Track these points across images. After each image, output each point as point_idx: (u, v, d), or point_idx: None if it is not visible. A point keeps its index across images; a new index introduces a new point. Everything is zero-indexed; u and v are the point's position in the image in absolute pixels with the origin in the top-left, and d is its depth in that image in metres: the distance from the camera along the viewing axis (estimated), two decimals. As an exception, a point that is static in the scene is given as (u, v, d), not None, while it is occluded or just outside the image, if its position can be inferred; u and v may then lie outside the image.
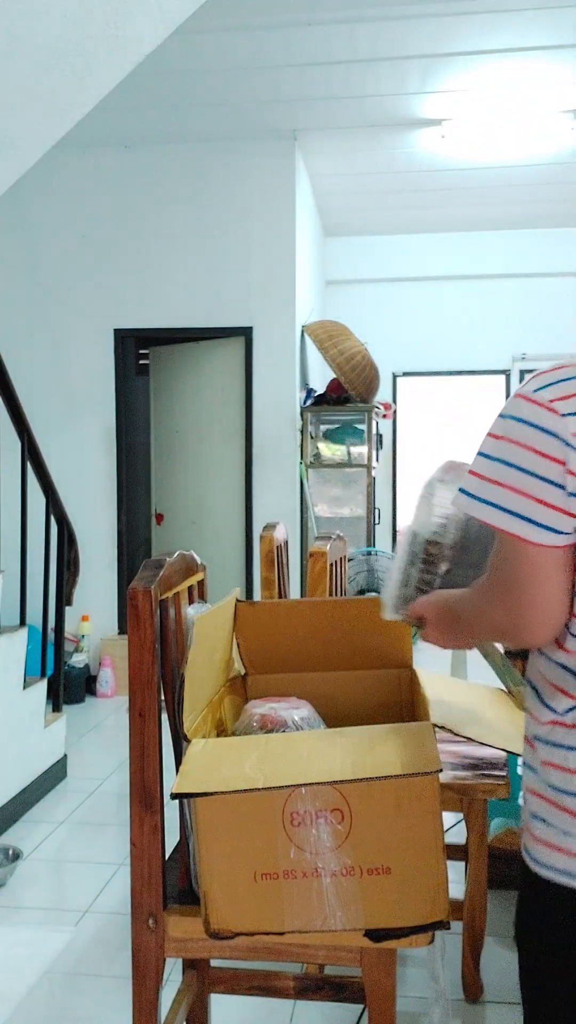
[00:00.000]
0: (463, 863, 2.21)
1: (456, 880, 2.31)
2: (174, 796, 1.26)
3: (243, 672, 1.83)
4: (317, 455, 5.55)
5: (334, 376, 5.47)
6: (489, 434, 1.10)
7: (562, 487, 1.03)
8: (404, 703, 1.78)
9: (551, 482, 1.04)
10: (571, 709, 1.07)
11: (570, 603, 1.07)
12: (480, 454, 1.10)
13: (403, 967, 2.33)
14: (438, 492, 1.46)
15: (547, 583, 1.05)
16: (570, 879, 1.04)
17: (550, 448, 1.04)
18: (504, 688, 2.16)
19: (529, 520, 1.04)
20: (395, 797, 1.21)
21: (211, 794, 1.23)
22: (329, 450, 5.57)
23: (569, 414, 1.04)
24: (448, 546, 1.44)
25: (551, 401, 1.05)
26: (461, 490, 1.11)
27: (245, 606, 1.79)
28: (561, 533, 1.04)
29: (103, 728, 4.73)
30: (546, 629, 1.07)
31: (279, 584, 2.48)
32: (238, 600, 1.79)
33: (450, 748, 2.12)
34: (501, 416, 1.09)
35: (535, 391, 1.07)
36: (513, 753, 1.71)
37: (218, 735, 1.60)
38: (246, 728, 1.55)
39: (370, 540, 5.65)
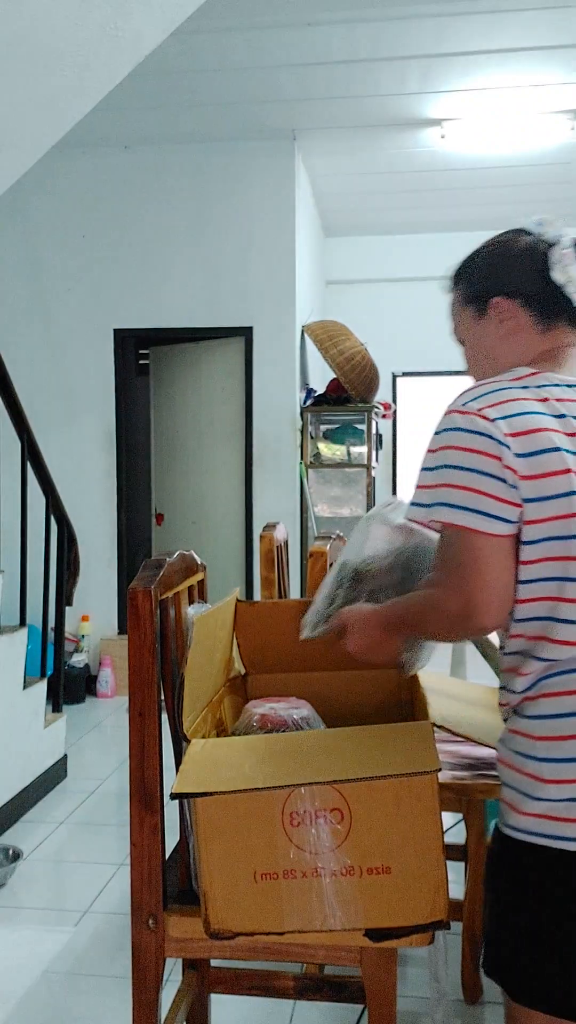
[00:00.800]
0: (462, 863, 2.21)
1: (456, 880, 2.31)
2: (174, 796, 1.26)
3: (243, 672, 1.83)
4: (317, 455, 5.55)
5: (334, 376, 5.47)
6: (427, 451, 1.23)
7: (503, 480, 1.15)
8: (404, 703, 1.78)
9: (492, 476, 1.15)
10: (531, 686, 1.18)
11: (514, 589, 1.17)
12: (423, 470, 1.23)
13: (403, 967, 2.33)
14: (373, 526, 1.57)
15: (498, 568, 1.15)
16: (528, 836, 1.17)
17: (486, 447, 1.16)
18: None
19: (479, 512, 1.15)
20: (395, 796, 1.21)
21: (211, 794, 1.23)
22: (329, 450, 5.57)
23: (498, 418, 1.17)
24: (374, 575, 1.53)
25: (480, 409, 1.19)
26: (412, 504, 1.22)
27: (245, 606, 1.79)
28: (508, 522, 1.15)
29: (103, 728, 4.73)
30: (499, 611, 1.17)
31: (279, 584, 2.48)
32: (238, 600, 1.79)
33: (449, 748, 2.12)
34: (436, 433, 1.23)
35: (464, 404, 1.22)
36: None
37: (218, 735, 1.60)
38: (246, 728, 1.55)
39: (370, 540, 5.64)
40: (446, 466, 1.18)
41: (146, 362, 6.21)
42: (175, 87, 4.55)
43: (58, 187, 5.39)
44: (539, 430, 1.17)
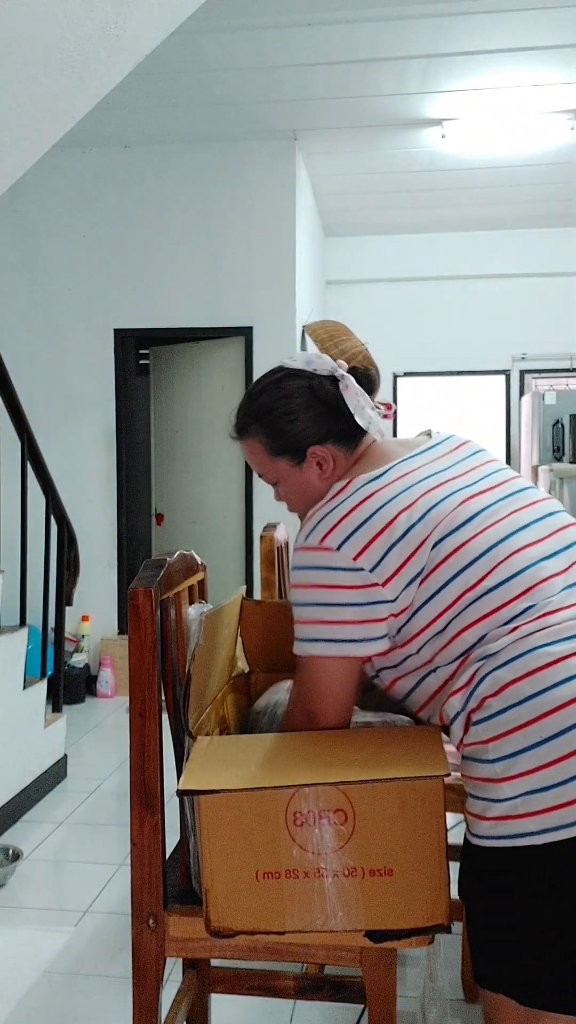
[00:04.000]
0: (463, 863, 2.20)
1: (456, 880, 2.31)
2: (179, 793, 1.26)
3: (246, 671, 1.83)
4: (317, 455, 5.54)
5: (334, 376, 5.46)
6: (293, 586, 1.34)
7: (359, 604, 1.28)
8: (405, 703, 1.78)
9: (350, 604, 1.28)
10: (468, 697, 1.25)
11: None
12: (294, 603, 1.34)
13: (403, 967, 2.33)
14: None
15: (353, 688, 1.35)
16: (493, 841, 1.20)
17: (337, 579, 1.28)
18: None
19: (352, 640, 1.29)
20: (399, 799, 1.21)
21: (216, 792, 1.23)
22: (329, 450, 5.56)
23: (342, 543, 1.29)
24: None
25: (321, 541, 1.30)
26: (297, 639, 1.34)
27: (251, 605, 1.78)
28: (380, 639, 1.30)
29: (103, 728, 4.73)
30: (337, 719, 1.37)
31: (279, 584, 2.48)
32: (244, 599, 1.79)
33: (449, 748, 2.11)
34: (293, 569, 1.34)
35: (306, 539, 1.33)
36: None
37: (220, 732, 1.60)
38: (276, 700, 1.60)
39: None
40: (309, 604, 1.31)
41: (146, 362, 6.21)
42: (175, 87, 4.55)
43: (58, 187, 5.39)
44: (391, 520, 1.28)
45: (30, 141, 2.82)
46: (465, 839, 1.25)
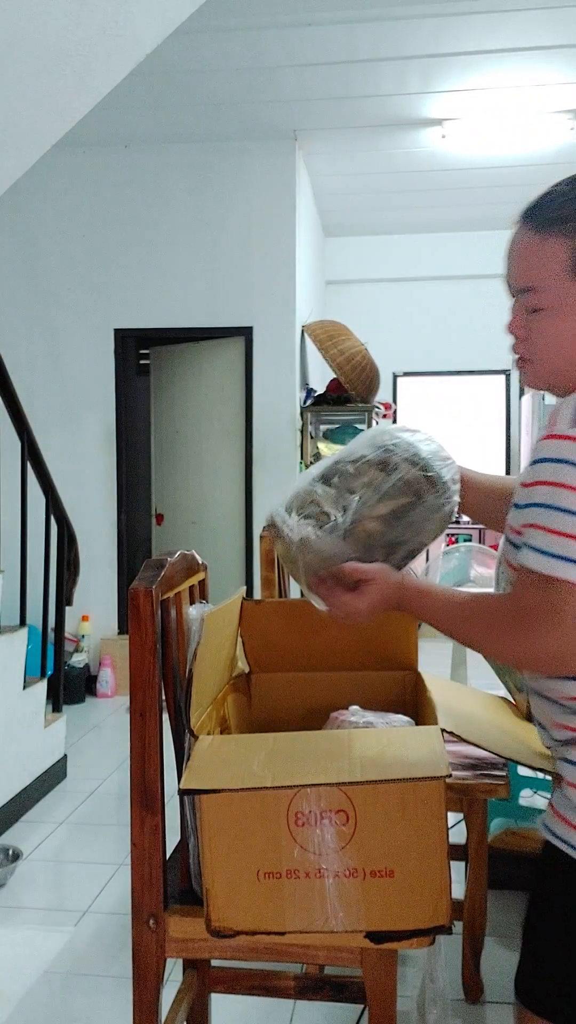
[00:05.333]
0: (463, 863, 2.21)
1: (456, 880, 2.31)
2: (181, 792, 1.26)
3: (247, 671, 1.83)
4: (317, 455, 5.54)
5: (334, 376, 5.47)
6: (541, 482, 1.05)
7: None
8: (408, 705, 1.78)
9: None
10: None
11: None
12: (541, 505, 1.05)
13: (403, 967, 2.32)
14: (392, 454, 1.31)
15: None
16: None
17: None
18: (506, 690, 2.16)
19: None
20: (401, 800, 1.21)
21: (218, 791, 1.23)
22: (329, 450, 5.56)
23: None
24: (368, 518, 1.25)
25: None
26: (537, 550, 1.05)
27: (251, 605, 1.78)
28: None
29: (103, 728, 4.72)
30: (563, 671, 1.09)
31: (279, 584, 2.48)
32: (244, 599, 1.79)
33: (450, 748, 2.11)
34: (542, 462, 1.05)
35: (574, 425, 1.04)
36: (514, 761, 1.70)
37: (221, 732, 1.60)
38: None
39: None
40: (553, 508, 1.03)
41: (146, 362, 6.21)
42: (175, 87, 4.55)
43: (58, 187, 5.39)
44: None
45: (30, 141, 2.82)
46: (551, 851, 1.14)
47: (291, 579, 1.45)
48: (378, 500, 1.23)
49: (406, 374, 7.17)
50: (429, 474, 1.25)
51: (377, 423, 5.89)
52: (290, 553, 1.25)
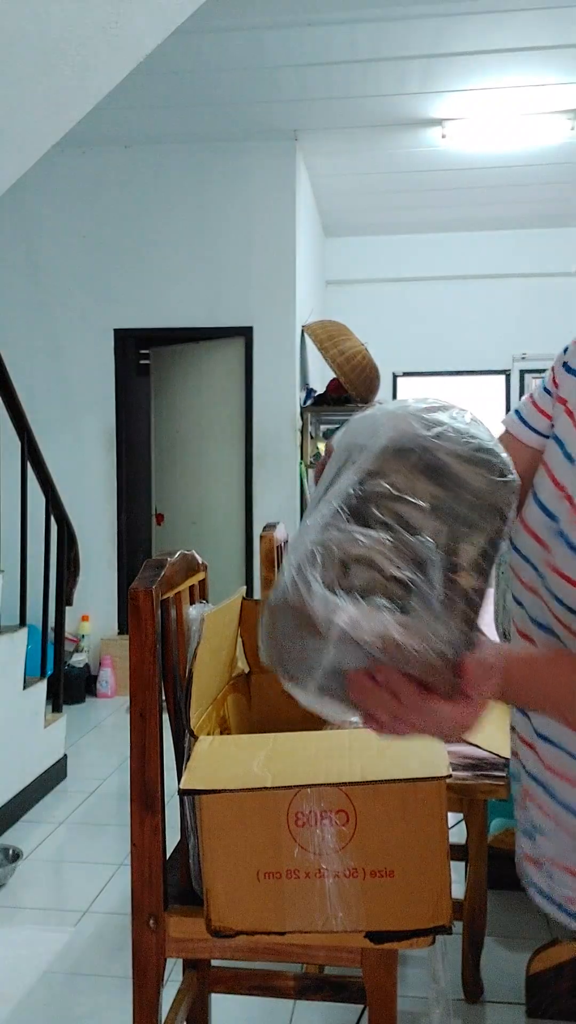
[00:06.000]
0: (463, 863, 2.21)
1: (456, 880, 2.31)
2: (181, 793, 1.26)
3: (247, 671, 1.82)
4: (317, 455, 5.54)
5: (334, 376, 5.47)
6: None
7: None
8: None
9: None
10: None
11: None
12: None
13: (403, 967, 2.32)
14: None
15: None
16: None
17: None
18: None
19: None
20: (401, 801, 1.21)
21: (218, 791, 1.23)
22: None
23: None
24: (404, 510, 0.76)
25: None
26: None
27: (251, 604, 1.78)
28: None
29: (103, 728, 4.72)
30: None
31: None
32: (244, 599, 1.79)
33: (450, 748, 2.11)
34: None
35: None
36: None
37: (221, 732, 1.60)
38: None
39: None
40: None
41: (146, 362, 6.21)
42: (175, 87, 4.55)
43: (58, 187, 5.39)
44: None
45: (30, 141, 2.82)
46: None
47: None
48: (460, 537, 0.75)
49: (406, 374, 7.16)
50: (508, 478, 0.78)
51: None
52: (327, 655, 0.72)
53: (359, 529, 0.74)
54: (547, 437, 0.95)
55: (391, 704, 0.73)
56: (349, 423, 0.82)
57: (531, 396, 1.01)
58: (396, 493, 0.75)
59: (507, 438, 1.00)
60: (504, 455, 0.79)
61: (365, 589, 0.72)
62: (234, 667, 1.78)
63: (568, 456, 0.91)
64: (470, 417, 0.84)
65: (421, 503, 0.75)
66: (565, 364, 0.96)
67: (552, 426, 0.96)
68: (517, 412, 1.01)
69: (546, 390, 0.98)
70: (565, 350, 0.98)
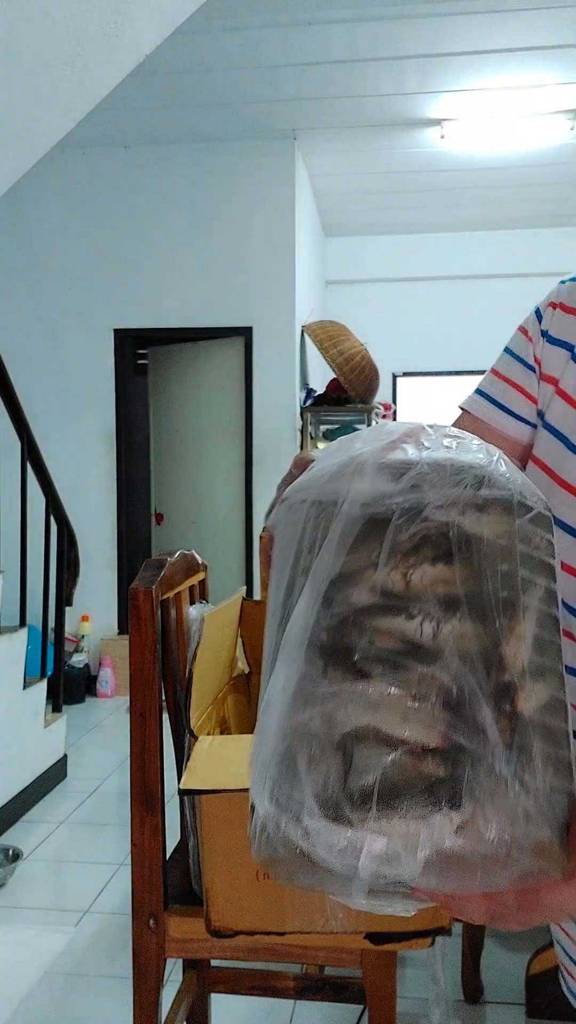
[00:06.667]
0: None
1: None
2: (181, 793, 1.26)
3: (247, 671, 1.82)
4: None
5: (334, 376, 5.47)
6: None
7: None
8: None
9: None
10: None
11: None
12: None
13: (403, 968, 2.33)
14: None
15: None
16: None
17: None
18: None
19: None
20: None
21: (218, 791, 1.23)
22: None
23: None
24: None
25: None
26: None
27: (251, 605, 1.78)
28: None
29: (103, 728, 4.72)
30: None
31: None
32: (244, 599, 1.79)
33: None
34: None
35: None
36: None
37: (221, 732, 1.60)
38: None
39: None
40: None
41: (145, 362, 6.22)
42: (175, 87, 4.55)
43: (58, 187, 5.39)
44: None
45: (30, 142, 2.82)
46: None
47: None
48: (501, 633, 0.45)
49: (406, 374, 7.16)
50: (534, 509, 0.48)
51: (376, 423, 5.87)
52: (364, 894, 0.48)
53: (347, 687, 0.46)
54: (532, 425, 0.79)
55: (486, 908, 0.48)
56: (288, 493, 0.51)
57: (500, 372, 0.83)
58: (382, 602, 0.46)
59: (473, 425, 0.81)
60: (516, 475, 0.48)
61: (387, 787, 0.44)
62: (234, 667, 1.78)
63: (573, 449, 0.74)
64: (446, 434, 0.51)
65: (423, 604, 0.46)
66: (545, 333, 0.80)
67: (541, 412, 0.79)
68: (483, 393, 0.83)
69: (526, 365, 0.81)
70: (537, 312, 0.83)
